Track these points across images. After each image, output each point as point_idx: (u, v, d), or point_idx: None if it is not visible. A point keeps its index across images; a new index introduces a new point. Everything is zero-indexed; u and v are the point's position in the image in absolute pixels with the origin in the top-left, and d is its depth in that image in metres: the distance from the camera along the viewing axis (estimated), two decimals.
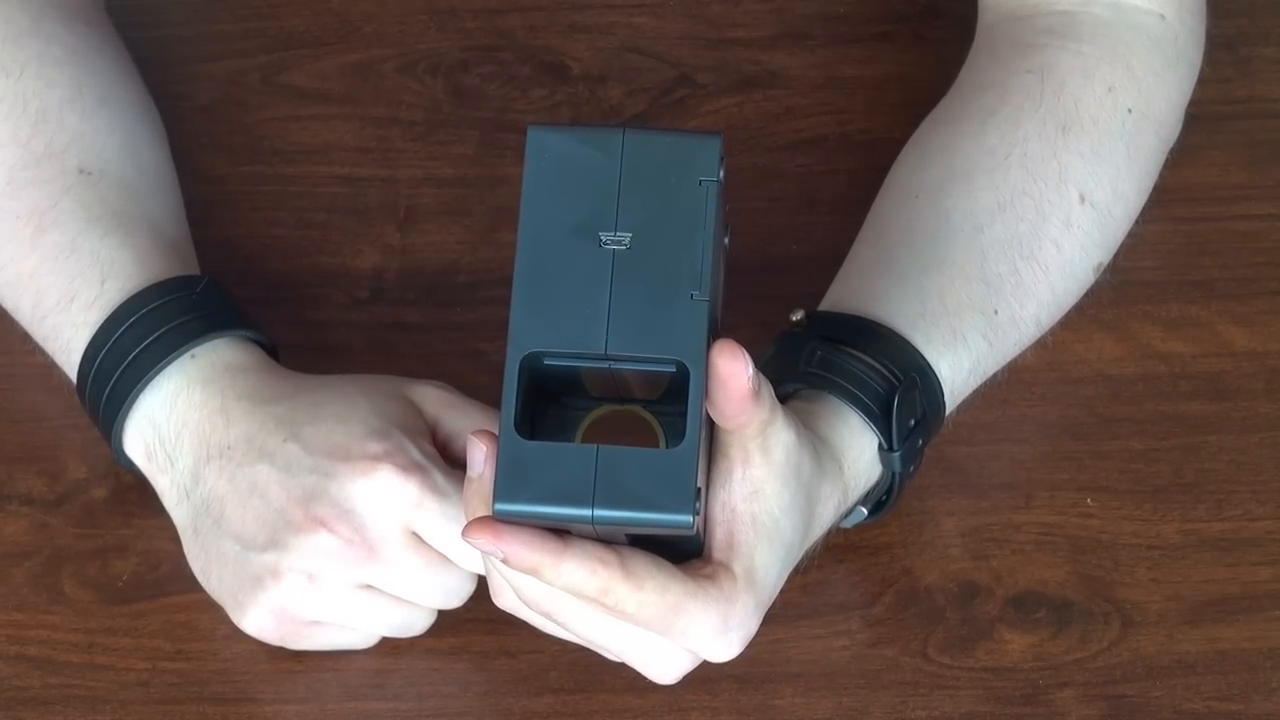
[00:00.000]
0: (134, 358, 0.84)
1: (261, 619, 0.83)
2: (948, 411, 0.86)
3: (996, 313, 0.87)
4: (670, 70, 1.04)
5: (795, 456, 0.76)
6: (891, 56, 1.05)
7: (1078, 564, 0.89)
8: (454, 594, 0.84)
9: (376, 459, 0.81)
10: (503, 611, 0.87)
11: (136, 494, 0.91)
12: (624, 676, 0.86)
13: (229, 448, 0.83)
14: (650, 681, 0.86)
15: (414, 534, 0.82)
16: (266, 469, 0.82)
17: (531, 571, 0.71)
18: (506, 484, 0.68)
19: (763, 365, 0.82)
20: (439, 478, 0.81)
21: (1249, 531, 0.90)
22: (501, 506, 0.68)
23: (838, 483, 0.81)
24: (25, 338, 0.94)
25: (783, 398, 0.78)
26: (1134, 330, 0.96)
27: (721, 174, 0.70)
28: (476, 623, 0.87)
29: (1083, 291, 0.92)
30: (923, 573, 0.89)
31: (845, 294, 0.88)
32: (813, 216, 1.00)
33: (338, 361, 0.94)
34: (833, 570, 0.88)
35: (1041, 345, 0.93)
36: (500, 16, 1.06)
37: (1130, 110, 0.91)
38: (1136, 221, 0.94)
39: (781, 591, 0.87)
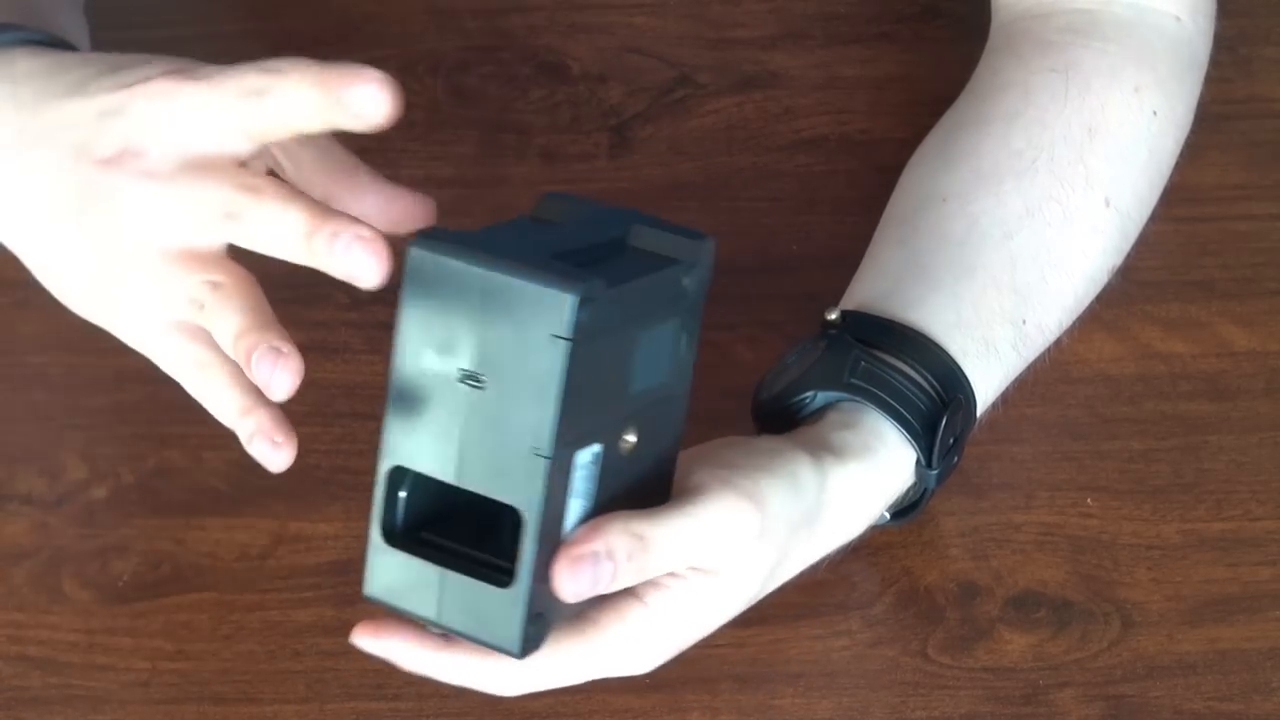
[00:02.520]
0: None
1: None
2: (979, 416, 0.86)
3: (1025, 322, 0.87)
4: (670, 70, 1.04)
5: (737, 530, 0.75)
6: (891, 56, 1.05)
7: (1078, 564, 0.89)
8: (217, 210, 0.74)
9: (150, 79, 0.74)
10: None
11: (136, 494, 0.91)
12: (624, 676, 0.86)
13: (21, 131, 0.76)
14: (650, 681, 0.86)
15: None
16: (63, 132, 0.75)
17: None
18: (373, 577, 0.72)
19: (806, 370, 0.83)
20: (221, 82, 0.73)
21: (1249, 531, 0.90)
22: (367, 592, 0.72)
23: (862, 517, 0.82)
24: (26, 337, 0.94)
25: (823, 408, 0.81)
26: (1134, 330, 0.96)
27: (692, 290, 0.72)
28: None
29: (1097, 295, 0.92)
30: (923, 573, 0.89)
31: (875, 296, 0.87)
32: (813, 216, 1.00)
33: (338, 361, 0.94)
34: (833, 570, 0.88)
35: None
36: (500, 16, 1.06)
37: (1155, 113, 0.91)
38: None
39: (781, 591, 0.87)
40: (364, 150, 1.02)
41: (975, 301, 0.86)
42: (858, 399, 0.83)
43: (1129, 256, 0.93)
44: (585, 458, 0.70)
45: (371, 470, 0.92)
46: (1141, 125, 0.90)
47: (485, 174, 1.01)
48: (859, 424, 0.82)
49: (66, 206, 0.75)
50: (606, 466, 0.71)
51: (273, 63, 0.72)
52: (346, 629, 0.87)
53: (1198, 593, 0.89)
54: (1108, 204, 0.89)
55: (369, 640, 0.74)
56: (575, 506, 0.71)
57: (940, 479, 0.84)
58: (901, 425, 0.82)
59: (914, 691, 0.86)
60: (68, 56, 0.78)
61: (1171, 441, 0.93)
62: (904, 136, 1.01)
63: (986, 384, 0.86)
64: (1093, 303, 0.94)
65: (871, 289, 0.88)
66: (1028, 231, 0.87)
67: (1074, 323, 0.91)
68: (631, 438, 0.72)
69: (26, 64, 0.78)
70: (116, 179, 0.74)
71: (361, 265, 0.70)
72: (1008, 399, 0.92)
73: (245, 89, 0.71)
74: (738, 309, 0.96)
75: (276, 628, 0.88)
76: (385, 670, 0.86)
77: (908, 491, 0.85)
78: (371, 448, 0.93)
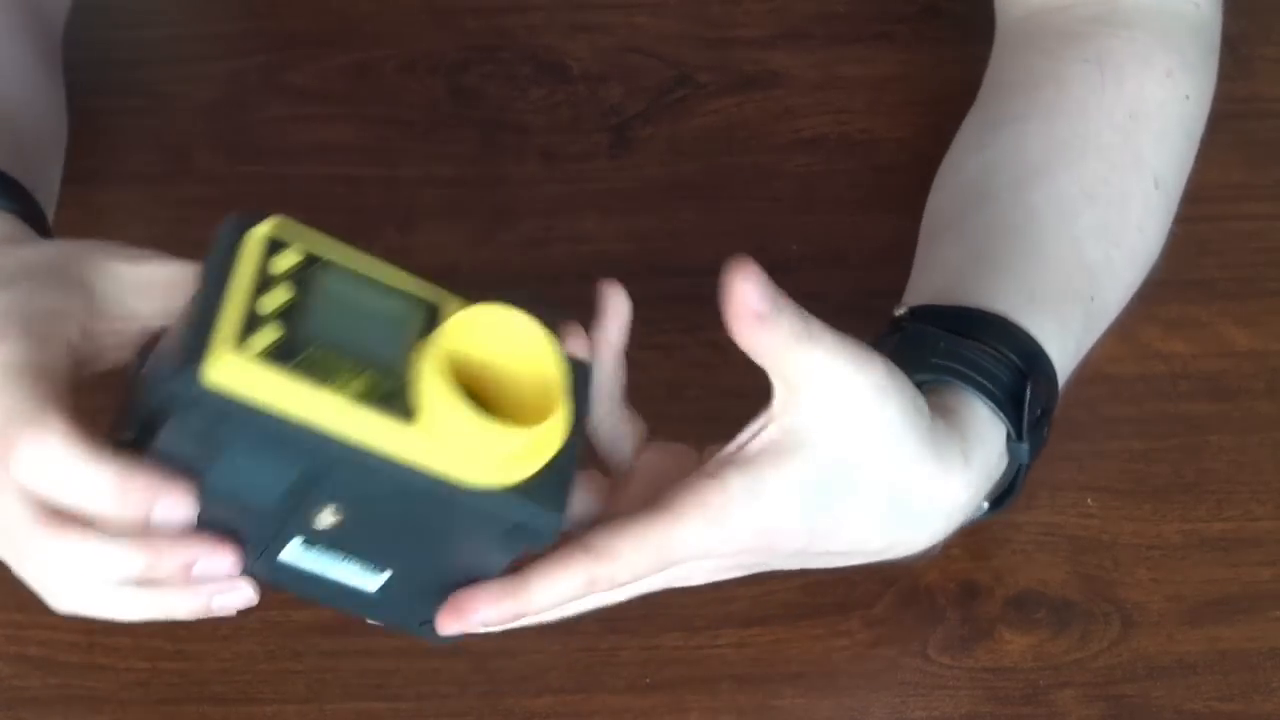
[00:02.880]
0: None
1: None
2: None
3: (1093, 299, 0.86)
4: (670, 70, 1.04)
5: (853, 402, 0.73)
6: (891, 56, 1.05)
7: (1078, 564, 0.89)
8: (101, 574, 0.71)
9: None
10: None
11: None
12: (624, 677, 0.86)
13: None
14: (650, 681, 0.86)
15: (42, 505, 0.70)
16: None
17: (516, 618, 0.72)
18: None
19: (891, 355, 0.79)
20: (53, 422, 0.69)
21: (1249, 531, 0.90)
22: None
23: (967, 487, 0.79)
24: None
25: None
26: (1134, 330, 0.96)
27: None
28: None
29: (1146, 275, 0.91)
30: (923, 573, 0.89)
31: (940, 289, 0.85)
32: (813, 216, 1.00)
33: None
34: (833, 570, 0.88)
35: None
36: (500, 16, 1.06)
37: (1188, 96, 0.91)
38: None
39: (782, 591, 0.88)
40: (364, 149, 1.02)
41: (1045, 281, 0.85)
42: (944, 378, 0.80)
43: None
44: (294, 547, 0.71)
45: None
46: (1177, 108, 0.90)
47: (485, 174, 1.01)
48: (948, 404, 0.80)
49: None
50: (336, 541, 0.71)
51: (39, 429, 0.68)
52: (347, 629, 0.87)
53: (1198, 593, 0.89)
54: (1157, 185, 0.89)
55: (455, 625, 0.73)
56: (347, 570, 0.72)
57: (1032, 453, 0.82)
58: (988, 399, 0.80)
59: (914, 691, 0.86)
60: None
61: (1172, 441, 0.93)
62: (904, 136, 1.01)
63: (1062, 360, 0.84)
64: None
65: (933, 284, 0.86)
66: (1088, 214, 0.87)
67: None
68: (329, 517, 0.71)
69: None
70: None
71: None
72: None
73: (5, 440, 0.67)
74: None
75: (276, 628, 0.88)
76: (385, 670, 0.86)
77: (1002, 476, 0.83)
78: None
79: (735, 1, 1.07)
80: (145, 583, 0.71)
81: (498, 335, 0.70)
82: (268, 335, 0.66)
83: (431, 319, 0.70)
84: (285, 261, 0.69)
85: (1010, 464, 0.82)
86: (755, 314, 0.71)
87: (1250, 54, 1.04)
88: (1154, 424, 0.93)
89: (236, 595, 0.73)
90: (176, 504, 0.68)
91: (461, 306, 0.70)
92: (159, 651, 0.87)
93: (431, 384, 0.67)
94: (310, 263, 0.69)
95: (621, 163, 1.01)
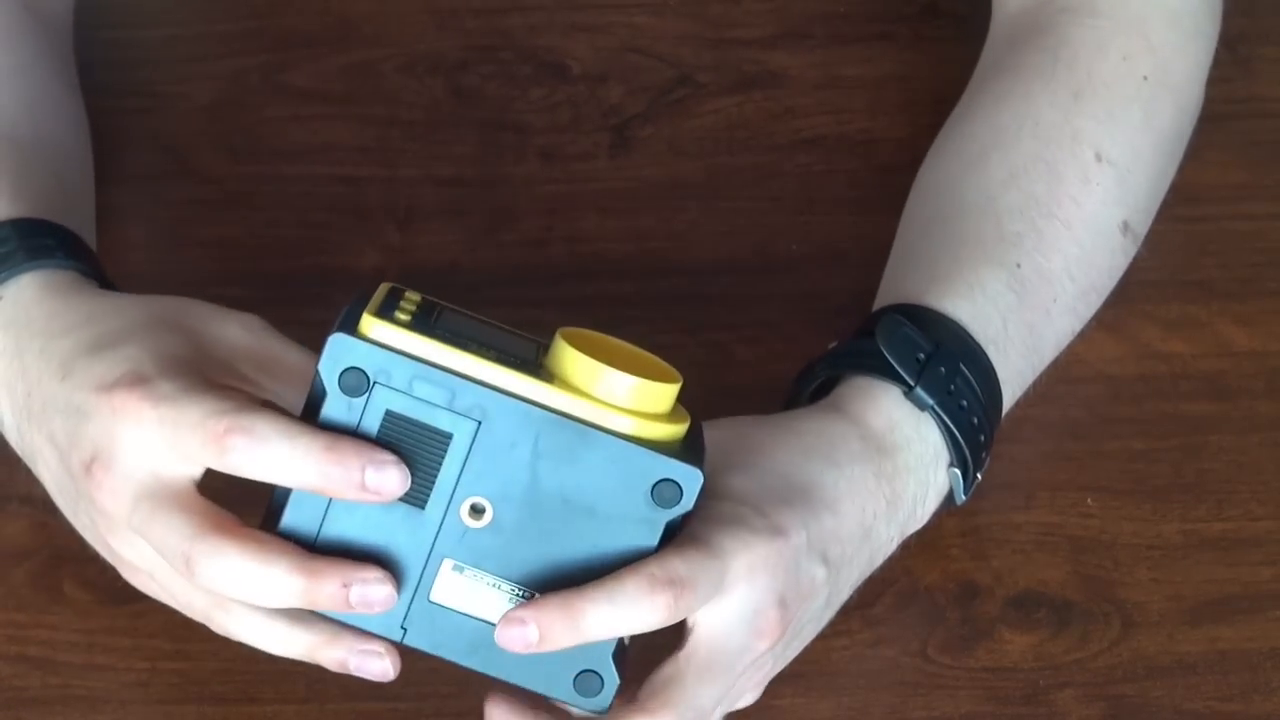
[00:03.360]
0: None
1: (125, 575, 0.80)
2: (1003, 356, 0.85)
3: (1019, 266, 0.87)
4: (670, 70, 1.04)
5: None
6: (891, 56, 1.05)
7: (1078, 564, 0.89)
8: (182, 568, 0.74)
9: (113, 388, 0.74)
10: None
11: None
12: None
13: (29, 395, 0.78)
14: None
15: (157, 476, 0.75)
16: (56, 416, 0.77)
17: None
18: None
19: (794, 382, 0.85)
20: (184, 407, 0.73)
21: (1249, 531, 0.90)
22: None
23: (855, 441, 0.81)
24: None
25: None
26: (1134, 330, 0.96)
27: None
28: None
29: (1113, 254, 0.91)
30: (923, 573, 0.89)
31: (878, 298, 0.89)
32: (813, 216, 1.00)
33: None
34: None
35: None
36: (500, 16, 1.06)
37: (1146, 78, 0.91)
38: (1094, 309, 0.93)
39: None
40: (365, 150, 1.02)
41: (956, 259, 0.87)
42: (834, 374, 0.84)
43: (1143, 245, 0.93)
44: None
45: None
46: (1130, 88, 0.91)
47: (485, 174, 1.01)
48: (832, 400, 0.83)
49: (63, 494, 0.79)
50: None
51: (244, 417, 0.72)
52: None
53: (1198, 593, 0.89)
54: (1099, 158, 0.89)
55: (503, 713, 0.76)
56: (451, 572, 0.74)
57: (942, 394, 0.82)
58: (857, 370, 0.83)
59: (914, 691, 0.86)
60: (66, 309, 0.79)
61: (1172, 441, 0.93)
62: (904, 136, 1.01)
63: (979, 319, 0.85)
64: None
65: (880, 293, 0.89)
66: (1013, 192, 0.88)
67: (1100, 283, 0.91)
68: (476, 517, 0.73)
69: (36, 311, 0.79)
70: (87, 488, 0.75)
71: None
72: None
73: (211, 434, 0.72)
74: (738, 309, 0.96)
75: None
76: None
77: (947, 437, 0.83)
78: None
79: (735, 1, 1.07)
80: (301, 610, 0.74)
81: (613, 345, 0.75)
82: (406, 312, 0.73)
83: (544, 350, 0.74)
84: (407, 303, 0.74)
85: (926, 420, 0.83)
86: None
87: (1250, 54, 1.04)
88: (1154, 424, 0.93)
89: (379, 662, 0.75)
90: (385, 464, 0.71)
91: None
92: (159, 651, 0.87)
93: (562, 350, 0.72)
94: (428, 305, 0.74)
95: (621, 163, 1.01)
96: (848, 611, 0.88)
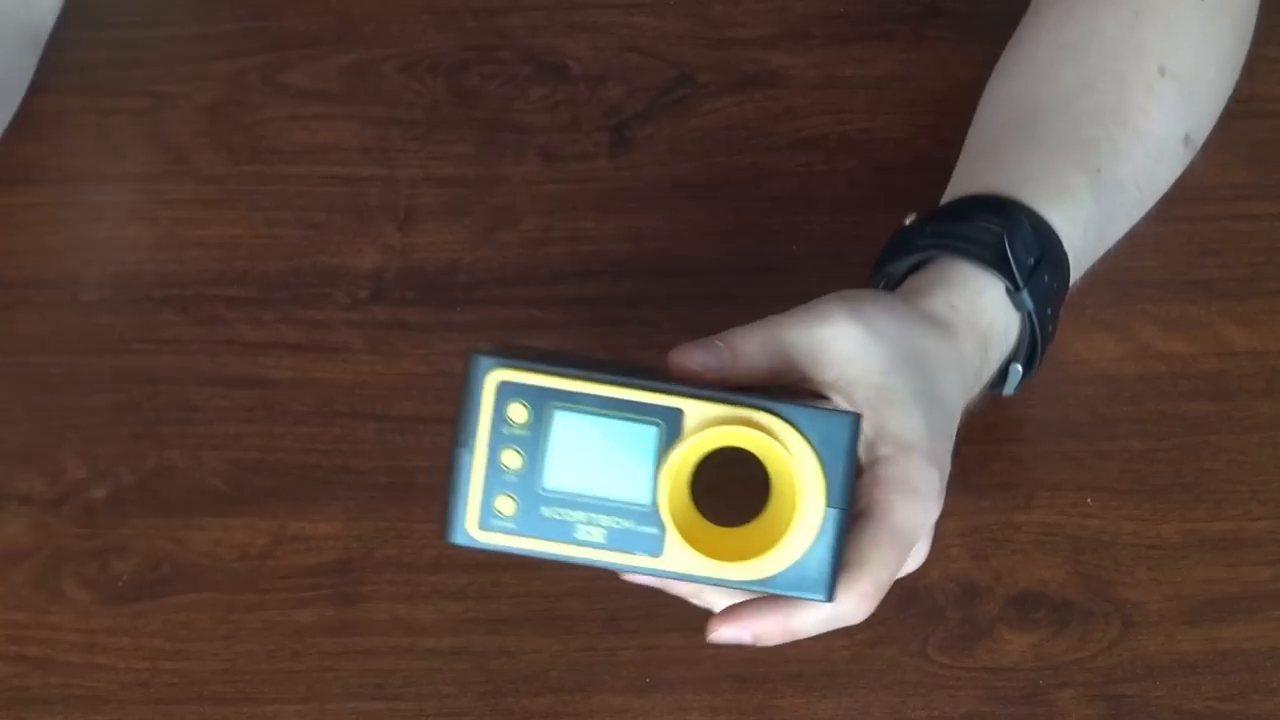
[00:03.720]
0: None
1: None
2: (1074, 266, 0.87)
3: (1099, 171, 0.89)
4: (670, 70, 1.04)
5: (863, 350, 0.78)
6: (891, 56, 1.05)
7: (1078, 564, 0.89)
8: None
9: None
10: (502, 611, 0.88)
11: (136, 494, 0.91)
12: (624, 676, 0.86)
13: None
14: (650, 681, 0.86)
15: None
16: None
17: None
18: None
19: (880, 258, 0.86)
20: None
21: (1249, 531, 0.90)
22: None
23: (968, 341, 0.83)
24: (26, 337, 0.94)
25: (900, 278, 0.85)
26: (1134, 330, 0.96)
27: None
28: (476, 623, 0.87)
29: (1174, 166, 0.93)
30: (923, 573, 0.89)
31: (950, 193, 0.90)
32: (813, 216, 1.00)
33: (338, 361, 0.94)
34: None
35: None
36: (500, 16, 1.06)
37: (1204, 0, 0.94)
38: (1138, 220, 0.94)
39: None
40: (364, 149, 1.02)
41: (1043, 161, 0.89)
42: (931, 254, 0.85)
43: (1123, 255, 0.93)
44: None
45: (371, 470, 0.92)
46: (1189, 6, 0.93)
47: (485, 174, 1.01)
48: (934, 276, 0.84)
49: None
50: None
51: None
52: (346, 629, 0.88)
53: (1198, 593, 0.89)
54: (1162, 72, 0.91)
55: (730, 629, 0.77)
56: None
57: (1038, 301, 0.84)
58: (971, 258, 0.84)
59: (914, 691, 0.86)
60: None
61: (1171, 441, 0.93)
62: (904, 136, 1.01)
63: (1068, 223, 0.87)
64: (1091, 302, 0.94)
65: (950, 186, 0.91)
66: (1086, 100, 0.90)
67: (1157, 196, 0.93)
68: None
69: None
70: None
71: None
72: (1008, 399, 0.92)
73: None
74: (738, 309, 0.96)
75: (276, 628, 0.88)
76: (385, 670, 0.86)
77: (1020, 334, 0.86)
78: (371, 447, 0.93)
79: (735, 1, 1.07)
80: None
81: (732, 445, 0.74)
82: (508, 505, 0.74)
83: (673, 426, 0.74)
84: (518, 415, 0.74)
85: (1021, 320, 0.85)
86: (704, 368, 0.77)
87: (1250, 54, 1.04)
88: (1154, 424, 0.93)
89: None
90: None
91: (703, 406, 0.74)
92: (159, 651, 0.87)
93: (670, 516, 0.73)
94: (542, 406, 0.74)
95: (621, 163, 1.01)
96: None
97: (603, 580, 0.88)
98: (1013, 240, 0.84)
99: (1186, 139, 0.93)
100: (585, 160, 1.01)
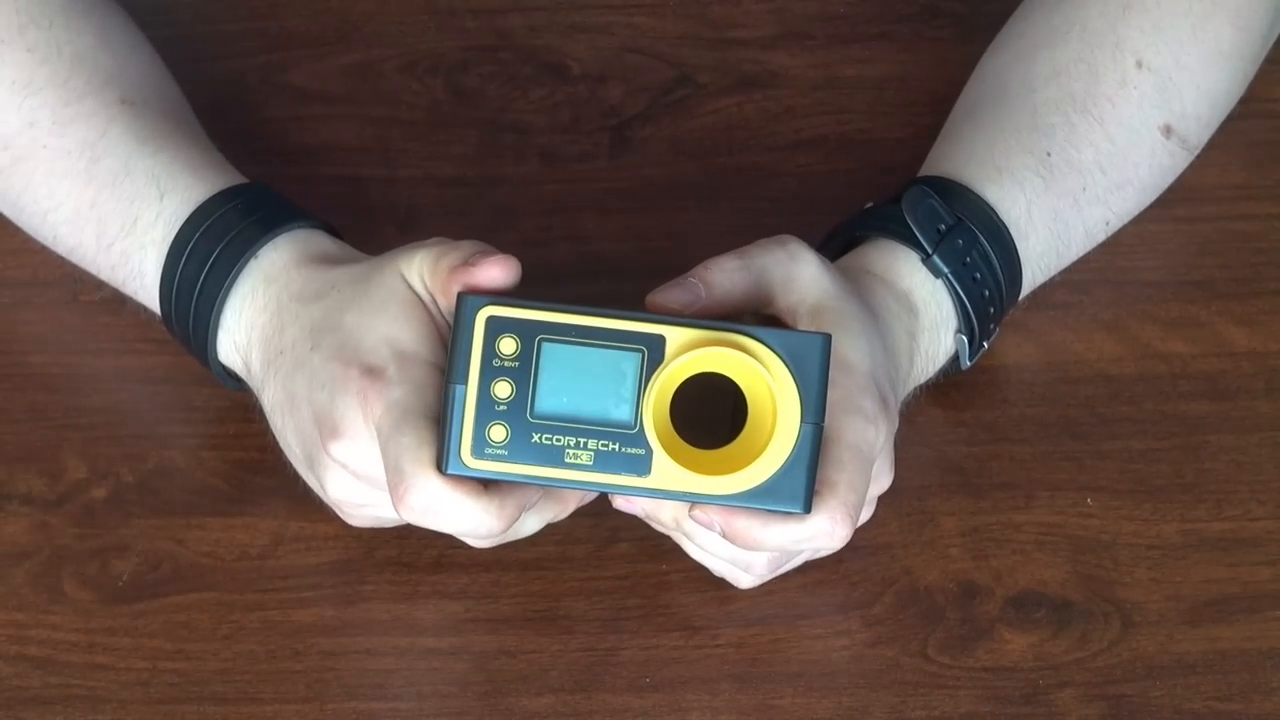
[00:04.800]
0: (210, 268, 0.86)
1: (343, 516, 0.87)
2: (1019, 237, 0.89)
3: (1049, 155, 0.91)
4: (670, 70, 1.04)
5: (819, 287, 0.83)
6: (891, 56, 1.05)
7: (1078, 564, 0.89)
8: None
9: (364, 376, 0.81)
10: (502, 611, 0.88)
11: (136, 494, 0.91)
12: (624, 676, 0.86)
13: (281, 353, 0.85)
14: (650, 681, 0.86)
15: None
16: (302, 380, 0.83)
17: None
18: None
19: (819, 245, 0.91)
20: (407, 417, 0.80)
21: (1249, 531, 0.90)
22: None
23: (890, 297, 0.87)
24: (26, 337, 0.94)
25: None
26: (1134, 330, 0.96)
27: None
28: (476, 623, 0.87)
29: (1153, 155, 0.93)
30: (923, 573, 0.89)
31: (920, 174, 0.93)
32: (813, 216, 0.99)
33: None
34: (833, 570, 0.88)
35: (1044, 342, 0.93)
36: (500, 16, 1.06)
37: None
38: (1137, 220, 0.94)
39: (781, 591, 0.87)
40: (364, 149, 1.02)
41: (991, 143, 0.92)
42: (855, 234, 0.90)
43: (1123, 256, 0.93)
44: None
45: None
46: (1181, 5, 0.94)
47: (485, 174, 1.01)
48: (858, 262, 0.89)
49: (300, 459, 0.85)
50: None
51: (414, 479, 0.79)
52: (347, 629, 0.88)
53: (1198, 593, 0.89)
54: (1139, 65, 0.93)
55: (704, 515, 0.80)
56: None
57: (952, 263, 0.88)
58: (884, 234, 0.89)
59: (914, 691, 0.86)
60: (317, 274, 0.86)
61: (1171, 441, 0.93)
62: (904, 136, 1.01)
63: (1007, 201, 0.90)
64: (1091, 302, 0.94)
65: (921, 170, 0.94)
66: (1053, 87, 0.93)
67: (1131, 180, 0.93)
68: None
69: (294, 273, 0.86)
70: (326, 460, 0.82)
71: None
72: (1008, 399, 0.92)
73: (391, 487, 0.80)
74: None
75: (276, 628, 0.88)
76: (385, 670, 0.86)
77: (957, 305, 0.88)
78: None
79: (735, 2, 1.07)
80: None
81: (711, 370, 0.78)
82: (500, 432, 0.78)
83: (656, 352, 0.78)
84: (508, 347, 0.78)
85: (940, 287, 0.88)
86: (682, 304, 0.82)
87: None
88: (1154, 424, 0.93)
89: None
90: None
91: (684, 331, 0.78)
92: (159, 651, 0.87)
93: (655, 436, 0.77)
94: (530, 338, 0.78)
95: (621, 163, 1.01)
96: (847, 611, 0.88)
97: (603, 580, 0.89)
98: (915, 211, 0.88)
99: (1167, 129, 0.93)
100: (585, 160, 1.01)
